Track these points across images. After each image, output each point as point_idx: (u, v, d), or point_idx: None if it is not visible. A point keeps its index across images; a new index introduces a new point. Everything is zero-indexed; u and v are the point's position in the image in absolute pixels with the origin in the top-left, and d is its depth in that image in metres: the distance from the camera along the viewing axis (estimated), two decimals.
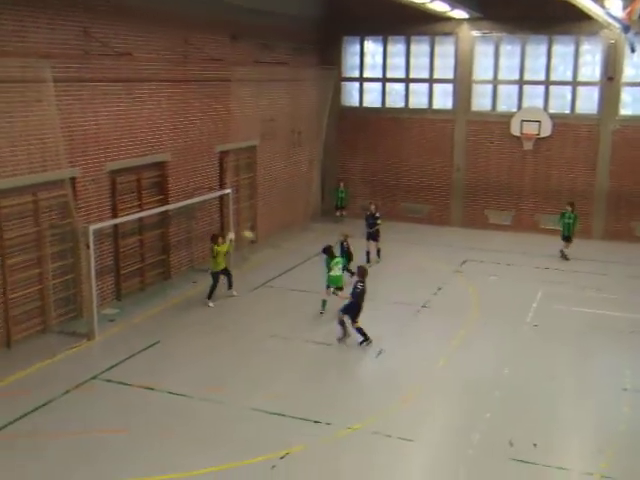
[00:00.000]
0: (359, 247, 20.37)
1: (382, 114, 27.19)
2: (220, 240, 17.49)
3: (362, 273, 15.18)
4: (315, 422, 11.74)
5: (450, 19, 25.03)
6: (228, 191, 20.12)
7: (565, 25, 24.01)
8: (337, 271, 16.75)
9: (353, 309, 14.88)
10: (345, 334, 15.07)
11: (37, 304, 15.24)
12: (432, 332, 16.06)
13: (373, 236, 21.25)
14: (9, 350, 14.39)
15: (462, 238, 24.87)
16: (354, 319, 14.92)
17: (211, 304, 17.27)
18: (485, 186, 26.29)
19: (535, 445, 11.09)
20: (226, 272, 17.77)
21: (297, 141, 25.61)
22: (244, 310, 17.27)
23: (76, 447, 10.91)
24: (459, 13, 23.96)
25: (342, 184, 27.01)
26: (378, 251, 21.37)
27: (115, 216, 16.92)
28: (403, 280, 19.66)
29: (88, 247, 14.89)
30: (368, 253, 21.04)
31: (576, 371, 14.08)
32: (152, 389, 12.85)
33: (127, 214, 17.16)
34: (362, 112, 27.53)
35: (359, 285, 14.93)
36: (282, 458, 10.66)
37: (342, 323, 15.03)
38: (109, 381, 13.20)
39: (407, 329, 16.14)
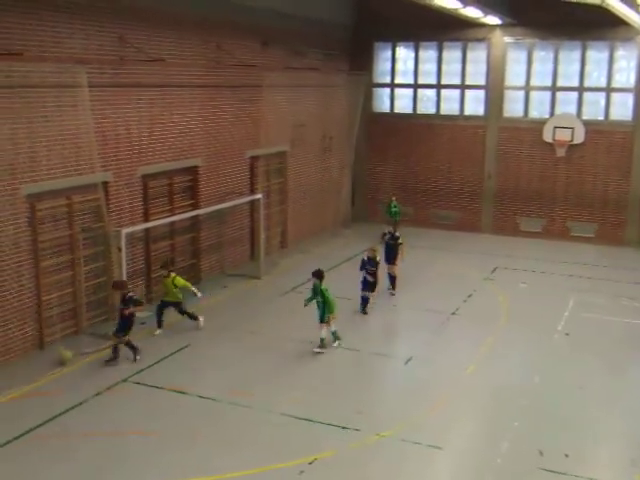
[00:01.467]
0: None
1: (413, 120, 27.12)
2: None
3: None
4: (343, 428, 11.72)
5: (483, 25, 24.92)
6: (259, 196, 20.21)
7: (600, 31, 23.73)
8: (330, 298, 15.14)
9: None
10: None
11: (70, 306, 15.43)
12: (461, 339, 15.95)
13: (390, 258, 18.93)
14: (42, 351, 14.59)
15: (492, 245, 24.69)
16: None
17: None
18: (516, 193, 26.07)
19: (567, 455, 10.96)
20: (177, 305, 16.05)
21: (328, 147, 25.65)
22: (273, 315, 17.31)
23: (106, 448, 11.02)
24: (492, 19, 23.83)
25: (394, 198, 25.68)
26: (393, 280, 18.92)
27: (147, 220, 17.09)
28: (433, 287, 19.55)
29: (120, 250, 15.06)
30: (392, 279, 18.92)
31: (607, 381, 13.86)
32: (181, 392, 12.93)
33: (158, 218, 17.31)
34: (393, 118, 27.49)
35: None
36: (311, 464, 10.66)
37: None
38: (139, 384, 13.31)
39: (436, 336, 16.05)
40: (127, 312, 14.07)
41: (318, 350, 14.83)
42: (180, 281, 15.79)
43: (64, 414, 12.03)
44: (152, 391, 13.01)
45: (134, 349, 14.20)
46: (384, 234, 20.12)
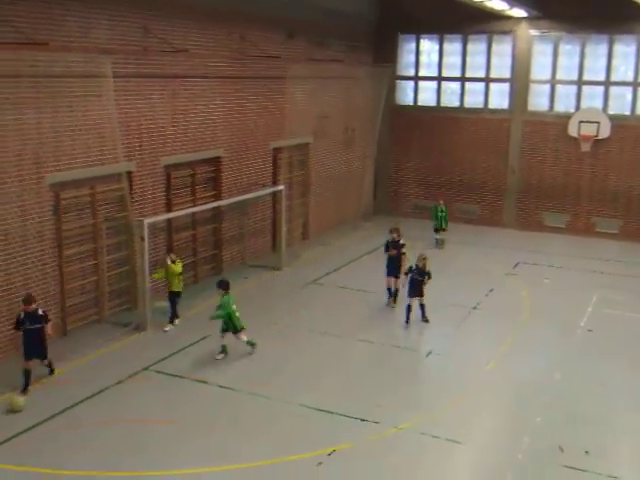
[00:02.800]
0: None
1: (437, 113, 26.96)
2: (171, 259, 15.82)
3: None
4: (362, 420, 11.71)
5: (508, 18, 24.68)
6: (281, 187, 20.22)
7: (627, 25, 23.44)
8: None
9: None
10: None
11: (92, 295, 15.56)
12: (483, 334, 15.88)
13: (394, 270, 16.94)
14: (65, 339, 14.73)
15: (515, 240, 24.51)
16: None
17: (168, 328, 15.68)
18: (540, 187, 25.84)
19: (587, 452, 10.87)
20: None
21: (350, 139, 25.59)
22: (294, 307, 17.33)
23: (126, 436, 11.11)
24: (518, 12, 23.60)
25: (442, 201, 23.64)
26: (395, 292, 17.13)
27: (169, 210, 17.16)
28: (454, 281, 19.44)
29: (143, 240, 15.14)
30: (391, 291, 17.17)
31: (629, 377, 13.71)
32: (202, 382, 13.00)
33: (181, 209, 17.39)
34: (417, 111, 27.34)
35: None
36: (329, 455, 10.67)
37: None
38: (160, 372, 13.40)
39: (457, 331, 15.98)
40: (49, 330, 12.65)
41: (221, 355, 14.06)
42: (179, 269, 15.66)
43: (86, 400, 12.15)
44: (173, 380, 13.09)
45: (52, 370, 12.95)
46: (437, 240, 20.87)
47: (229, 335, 14.05)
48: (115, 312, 16.05)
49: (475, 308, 17.43)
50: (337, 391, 12.82)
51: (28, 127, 13.47)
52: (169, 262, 15.60)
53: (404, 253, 16.84)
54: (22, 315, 12.41)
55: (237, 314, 13.98)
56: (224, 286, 14.05)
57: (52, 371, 13.07)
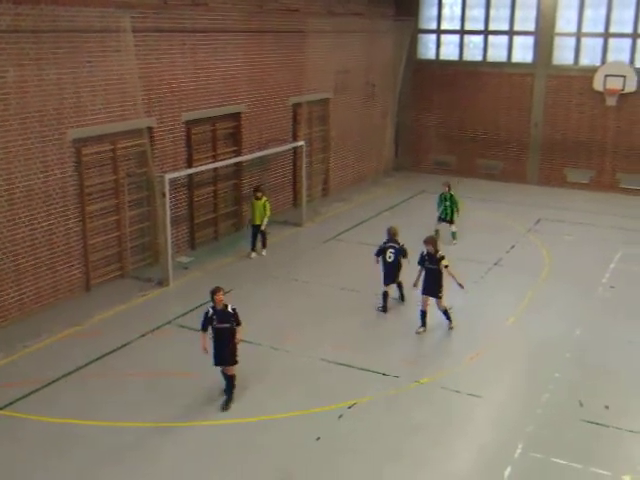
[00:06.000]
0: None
1: (459, 67, 26.56)
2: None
3: None
4: (383, 374, 11.82)
5: None
6: (301, 143, 20.12)
7: None
8: None
9: None
10: None
11: (115, 250, 15.70)
12: (503, 290, 15.86)
13: (433, 288, 13.47)
14: (89, 293, 14.93)
15: (538, 196, 24.30)
16: None
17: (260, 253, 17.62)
18: (564, 143, 25.49)
19: (607, 407, 10.91)
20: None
21: (371, 94, 25.32)
22: (315, 263, 17.40)
23: (152, 387, 11.32)
24: None
25: (448, 188, 18.93)
26: (446, 313, 13.73)
27: (190, 166, 17.17)
28: (476, 238, 19.36)
29: (164, 196, 15.19)
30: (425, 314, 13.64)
31: None
32: None
33: (201, 164, 17.39)
34: (438, 65, 26.94)
35: None
36: (350, 408, 10.81)
37: None
38: (182, 327, 13.57)
39: (478, 286, 15.96)
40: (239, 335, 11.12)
41: None
42: (268, 207, 17.35)
43: (111, 353, 12.37)
44: (194, 334, 13.20)
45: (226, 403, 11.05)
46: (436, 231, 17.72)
47: None
48: (138, 267, 16.20)
49: (496, 264, 17.38)
50: (357, 346, 12.93)
51: (49, 83, 13.46)
52: (253, 199, 17.35)
53: (447, 266, 13.38)
54: (210, 312, 10.88)
55: None
56: None
57: (226, 403, 10.88)
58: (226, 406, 10.82)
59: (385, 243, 14.58)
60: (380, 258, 14.58)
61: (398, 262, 14.35)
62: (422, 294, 13.53)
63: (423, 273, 13.54)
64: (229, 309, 10.81)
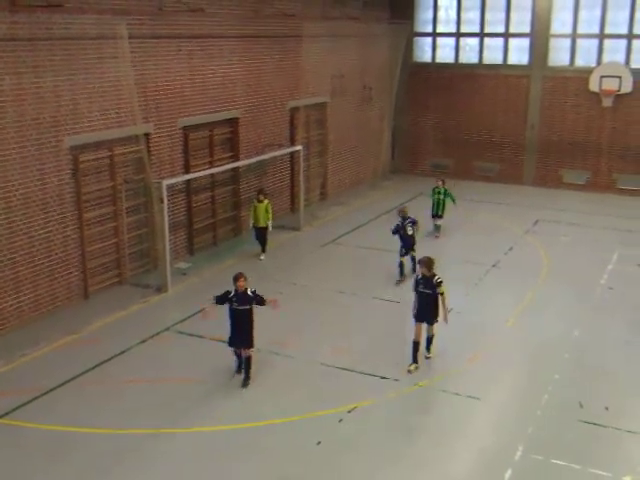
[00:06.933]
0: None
1: (455, 70, 26.62)
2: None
3: None
4: (383, 378, 11.82)
5: None
6: (299, 148, 20.14)
7: None
8: None
9: None
10: None
11: (113, 257, 15.69)
12: (502, 292, 15.87)
13: (427, 315, 12.28)
14: (87, 301, 14.91)
15: (535, 197, 24.34)
16: None
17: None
18: (560, 144, 25.53)
19: (607, 408, 10.92)
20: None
21: (368, 97, 25.35)
22: (313, 266, 17.41)
23: (149, 394, 11.30)
24: None
25: (441, 182, 19.55)
26: (430, 340, 12.58)
27: (187, 172, 17.18)
28: (473, 239, 19.40)
29: (162, 202, 15.19)
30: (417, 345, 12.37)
31: None
32: (222, 341, 13.08)
33: (199, 170, 17.39)
34: (435, 68, 27.00)
35: None
36: (350, 412, 10.80)
37: None
38: (181, 333, 13.56)
39: (476, 288, 15.99)
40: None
41: None
42: (270, 210, 17.46)
43: (109, 360, 12.35)
44: (193, 340, 13.25)
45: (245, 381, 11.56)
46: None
47: None
48: (136, 274, 16.20)
49: (494, 266, 17.40)
50: (357, 349, 12.91)
51: (45, 90, 13.46)
52: (256, 202, 17.42)
53: (442, 293, 12.18)
54: (232, 292, 11.27)
55: None
56: None
57: (245, 381, 11.38)
58: (245, 383, 11.40)
59: (402, 221, 16.31)
60: (397, 235, 16.30)
61: (414, 234, 16.38)
62: (415, 321, 12.24)
63: (416, 298, 12.19)
64: (249, 292, 11.28)
